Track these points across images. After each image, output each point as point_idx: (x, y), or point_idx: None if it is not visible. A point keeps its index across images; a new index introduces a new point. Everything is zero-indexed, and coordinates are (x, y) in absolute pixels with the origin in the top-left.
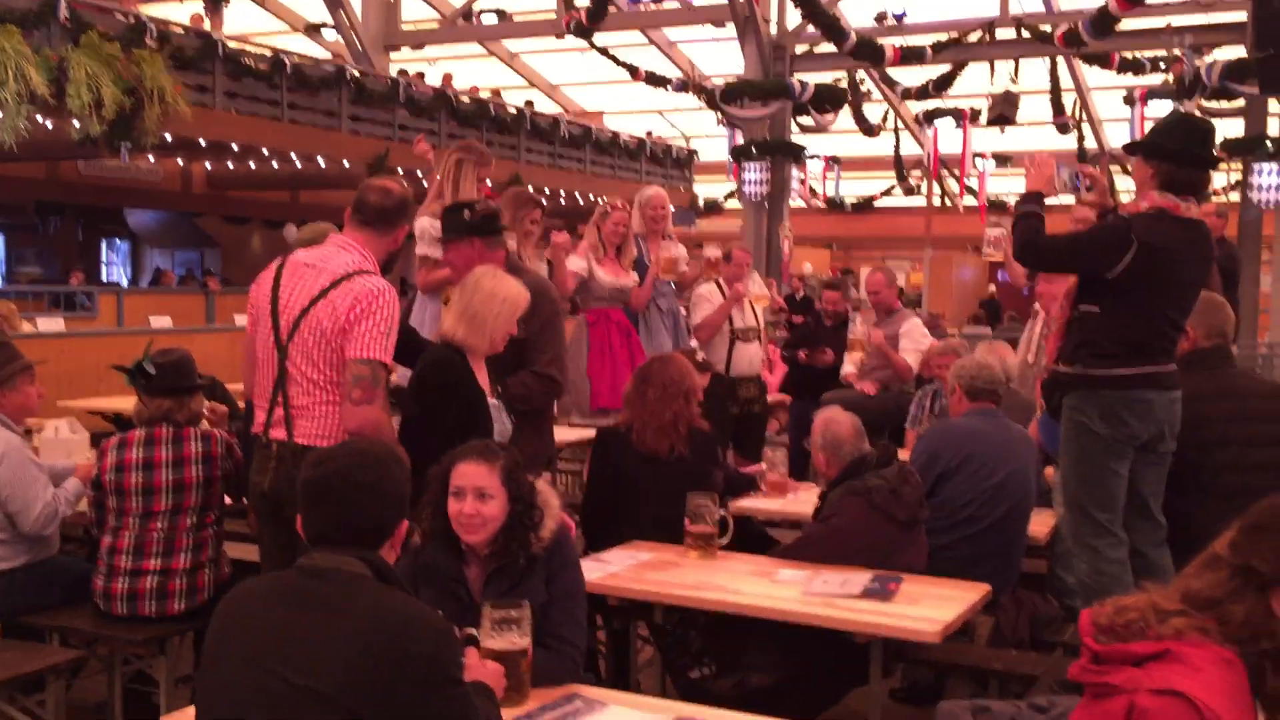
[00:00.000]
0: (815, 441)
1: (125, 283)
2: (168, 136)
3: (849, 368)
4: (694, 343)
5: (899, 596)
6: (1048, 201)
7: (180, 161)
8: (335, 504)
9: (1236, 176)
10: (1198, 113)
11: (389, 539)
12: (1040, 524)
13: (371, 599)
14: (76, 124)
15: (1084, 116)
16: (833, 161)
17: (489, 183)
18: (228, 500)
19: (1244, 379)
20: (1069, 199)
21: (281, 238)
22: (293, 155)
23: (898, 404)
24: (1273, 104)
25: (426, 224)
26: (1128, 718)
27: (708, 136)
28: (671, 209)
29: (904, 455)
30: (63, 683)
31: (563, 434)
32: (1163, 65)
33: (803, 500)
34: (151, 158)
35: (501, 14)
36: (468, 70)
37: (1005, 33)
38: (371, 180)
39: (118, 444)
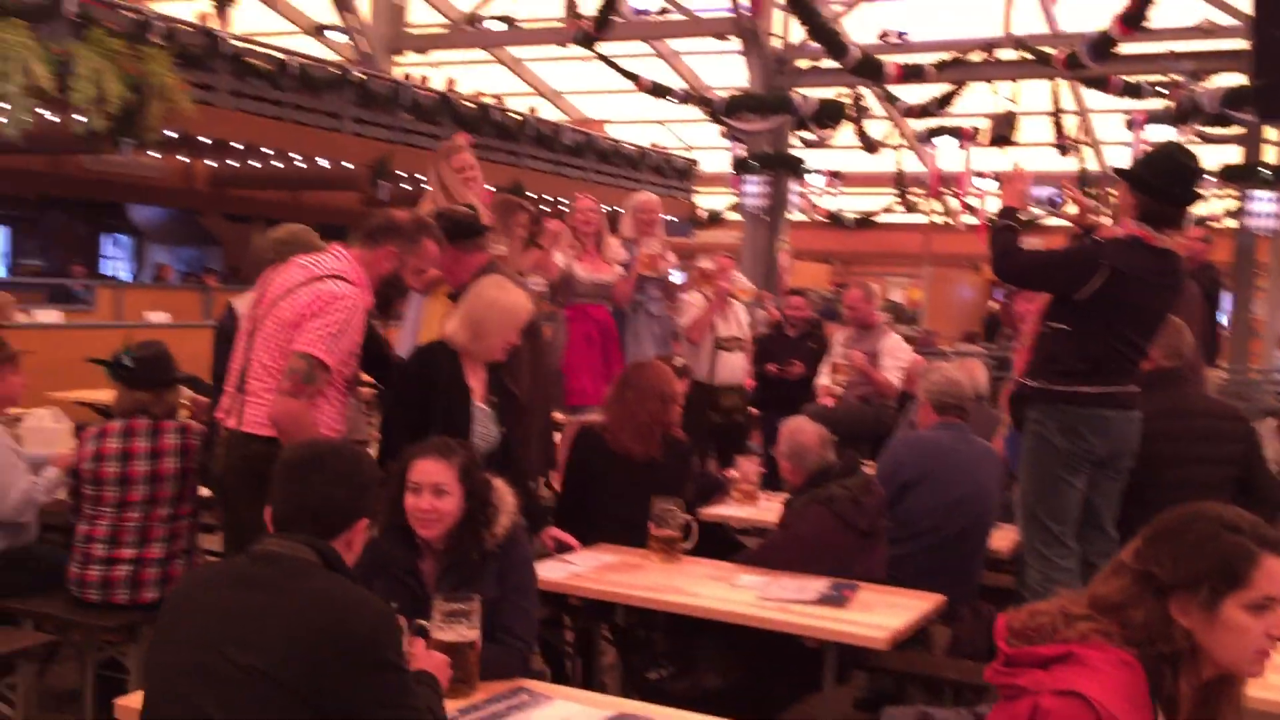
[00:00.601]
0: (781, 450)
1: (129, 277)
2: (171, 133)
3: (824, 379)
4: (679, 351)
5: (853, 603)
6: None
7: (183, 158)
8: (302, 485)
9: (1232, 203)
10: (1195, 139)
11: (345, 532)
12: (1003, 538)
13: (314, 582)
14: (80, 118)
15: (1086, 139)
16: (834, 176)
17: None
18: (204, 492)
19: (1198, 400)
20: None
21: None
22: (294, 155)
23: (877, 417)
24: (1270, 132)
25: None
26: (1031, 718)
27: (710, 148)
28: (661, 214)
29: None
30: (34, 667)
31: None
32: (1162, 90)
33: (773, 509)
34: (155, 154)
35: (508, 20)
36: (473, 75)
37: (1006, 53)
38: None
39: (96, 434)
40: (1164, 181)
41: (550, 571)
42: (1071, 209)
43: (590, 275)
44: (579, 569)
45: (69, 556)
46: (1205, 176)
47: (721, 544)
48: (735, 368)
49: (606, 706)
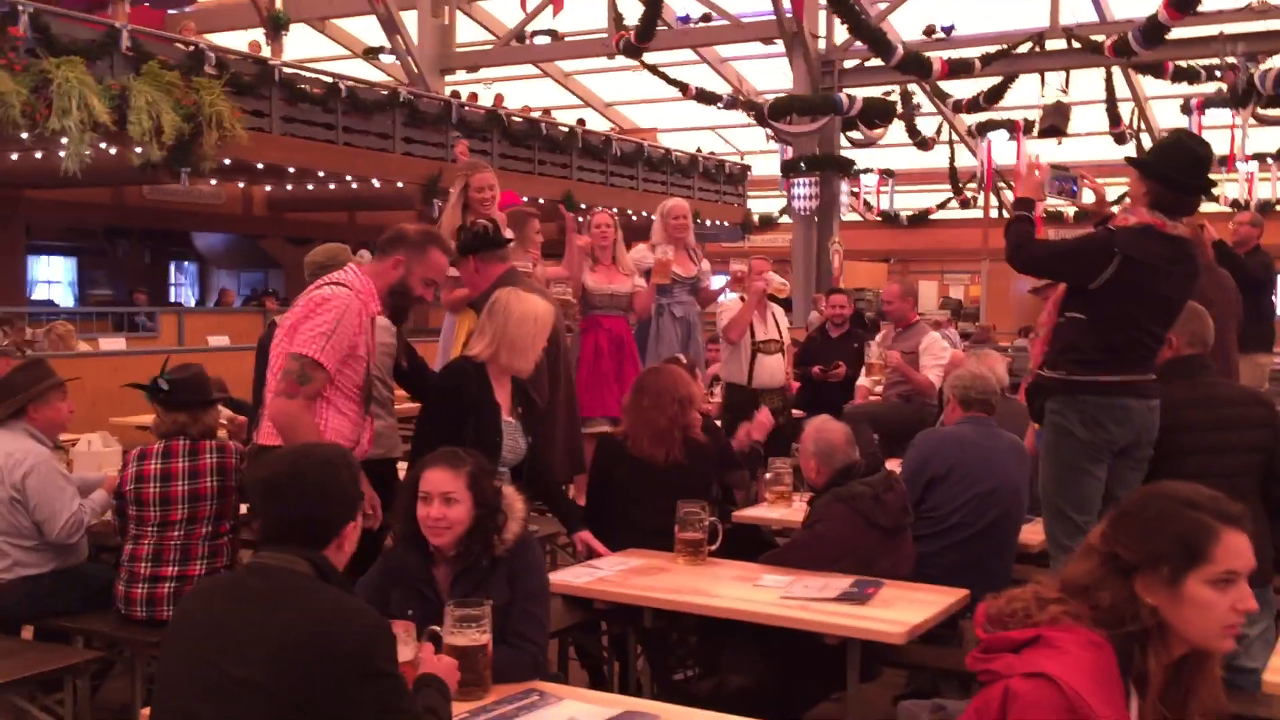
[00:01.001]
0: (806, 449)
1: (193, 303)
2: (226, 161)
3: (863, 381)
4: (716, 353)
5: (875, 600)
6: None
7: (241, 185)
8: (281, 502)
9: None
10: (1254, 121)
11: (335, 539)
12: (1034, 532)
13: (307, 594)
14: (138, 150)
15: (1143, 126)
16: (887, 175)
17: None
18: (244, 508)
19: (1221, 387)
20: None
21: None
22: (348, 177)
23: (919, 416)
24: None
25: None
26: (1003, 701)
27: (761, 152)
28: (690, 218)
29: None
30: (84, 683)
31: None
32: (1217, 73)
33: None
34: (213, 181)
35: (553, 34)
36: (523, 91)
37: (1055, 43)
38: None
39: (138, 456)
40: (1174, 169)
41: (575, 576)
42: (1089, 197)
43: (603, 286)
44: (605, 573)
45: (116, 575)
46: (1227, 161)
47: (759, 546)
48: (775, 370)
49: (614, 705)
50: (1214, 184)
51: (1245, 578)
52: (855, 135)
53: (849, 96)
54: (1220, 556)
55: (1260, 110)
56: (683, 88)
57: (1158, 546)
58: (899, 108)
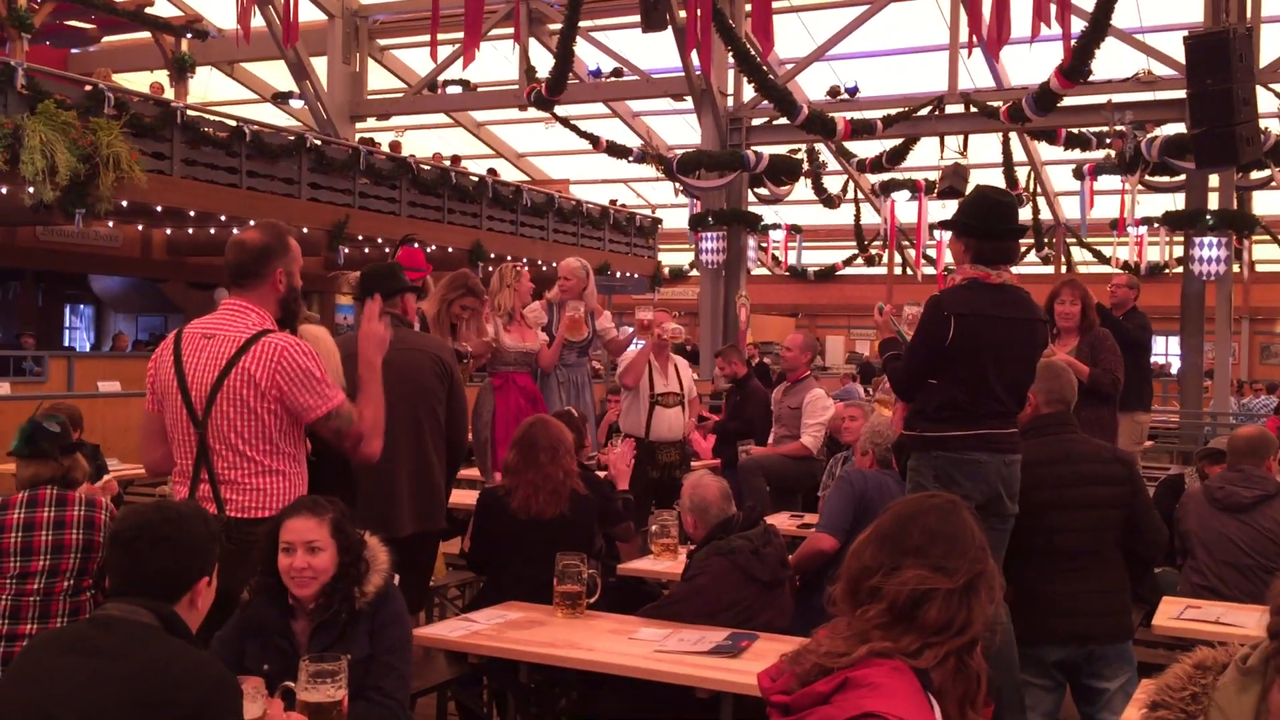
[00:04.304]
0: (684, 504)
1: (88, 347)
2: (124, 203)
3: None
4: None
5: (748, 654)
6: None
7: (140, 228)
8: (131, 554)
9: (1178, 251)
10: (1141, 187)
11: (186, 594)
12: None
13: (151, 648)
14: (30, 190)
15: (1039, 190)
16: (794, 231)
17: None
18: None
19: (1081, 444)
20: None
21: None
22: (250, 222)
23: (809, 469)
24: (1213, 179)
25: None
26: None
27: (673, 206)
28: (585, 275)
29: (814, 519)
30: None
31: (461, 497)
32: (1107, 140)
33: None
34: (110, 224)
35: (465, 84)
36: (434, 140)
37: (955, 108)
38: (232, 237)
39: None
40: (983, 219)
41: (450, 630)
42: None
43: (517, 344)
44: (480, 626)
45: None
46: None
47: (645, 599)
48: (673, 423)
49: None
50: (1024, 228)
51: None
52: (762, 191)
53: (756, 153)
54: None
55: (1148, 177)
56: (594, 140)
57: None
58: (805, 165)
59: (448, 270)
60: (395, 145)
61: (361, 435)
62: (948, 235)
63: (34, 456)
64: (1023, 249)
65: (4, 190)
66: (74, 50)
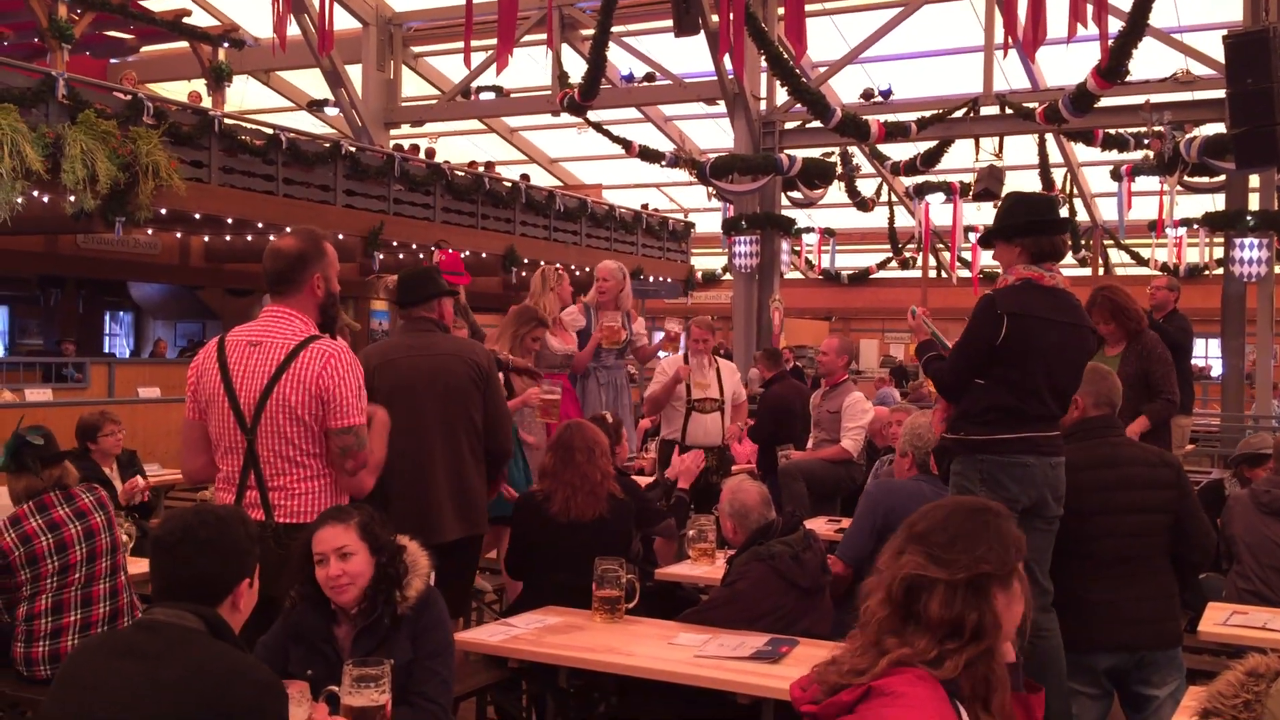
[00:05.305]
0: (723, 509)
1: (128, 353)
2: (163, 211)
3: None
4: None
5: (789, 659)
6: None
7: (178, 235)
8: (174, 558)
9: (1218, 252)
10: (1180, 188)
11: (229, 596)
12: None
13: (197, 651)
14: (71, 199)
15: (1075, 191)
16: (827, 234)
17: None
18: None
19: (1127, 447)
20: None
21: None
22: (287, 229)
23: (849, 473)
24: (1254, 180)
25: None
26: None
27: (705, 210)
28: (622, 277)
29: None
30: None
31: None
32: (1145, 141)
33: None
34: (149, 231)
35: (499, 90)
36: (468, 145)
37: (990, 109)
38: (269, 245)
39: (11, 522)
40: (1028, 214)
41: (490, 635)
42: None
43: (562, 347)
44: (520, 631)
45: (13, 638)
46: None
47: (682, 604)
48: (710, 429)
49: None
50: (1069, 221)
51: None
52: (796, 195)
53: (789, 157)
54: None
55: (1187, 178)
56: (626, 145)
57: (1002, 554)
58: (839, 169)
59: (481, 276)
60: (430, 152)
61: (364, 464)
62: (987, 253)
63: (20, 470)
64: None
65: (46, 199)
66: (113, 60)
